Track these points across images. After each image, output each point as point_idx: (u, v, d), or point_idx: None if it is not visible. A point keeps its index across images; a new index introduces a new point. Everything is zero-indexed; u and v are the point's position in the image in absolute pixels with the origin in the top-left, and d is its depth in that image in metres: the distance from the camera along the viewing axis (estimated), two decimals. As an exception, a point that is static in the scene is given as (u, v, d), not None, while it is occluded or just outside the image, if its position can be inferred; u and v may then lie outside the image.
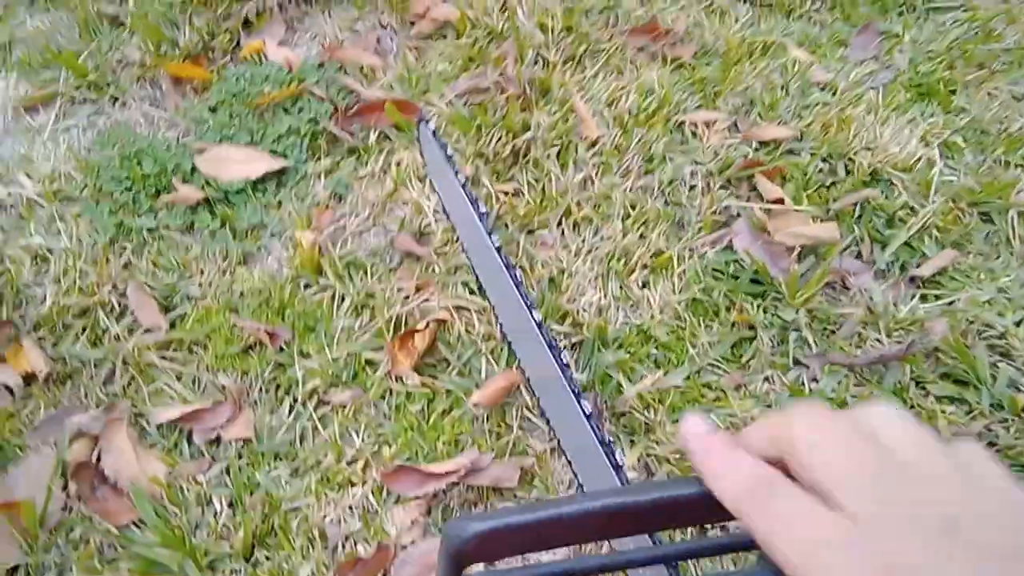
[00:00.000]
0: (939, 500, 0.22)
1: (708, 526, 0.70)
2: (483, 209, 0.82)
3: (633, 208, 0.96)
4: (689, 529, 0.70)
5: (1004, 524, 0.21)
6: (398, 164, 1.03)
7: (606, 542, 0.71)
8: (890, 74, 1.14)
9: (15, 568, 0.72)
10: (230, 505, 0.75)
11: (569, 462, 0.74)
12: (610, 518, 0.28)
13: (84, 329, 0.89)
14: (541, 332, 0.73)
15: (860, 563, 0.21)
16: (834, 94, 1.09)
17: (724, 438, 0.28)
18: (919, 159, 1.01)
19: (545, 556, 0.72)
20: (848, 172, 0.99)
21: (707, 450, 0.28)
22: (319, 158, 1.05)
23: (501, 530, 0.27)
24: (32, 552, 0.73)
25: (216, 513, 0.75)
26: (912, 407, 0.78)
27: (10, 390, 0.84)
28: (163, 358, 0.86)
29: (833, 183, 0.98)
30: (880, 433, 0.24)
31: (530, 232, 0.95)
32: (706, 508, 0.29)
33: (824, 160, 1.00)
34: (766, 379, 0.82)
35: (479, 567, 0.30)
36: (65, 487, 0.77)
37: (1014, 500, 0.22)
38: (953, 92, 1.11)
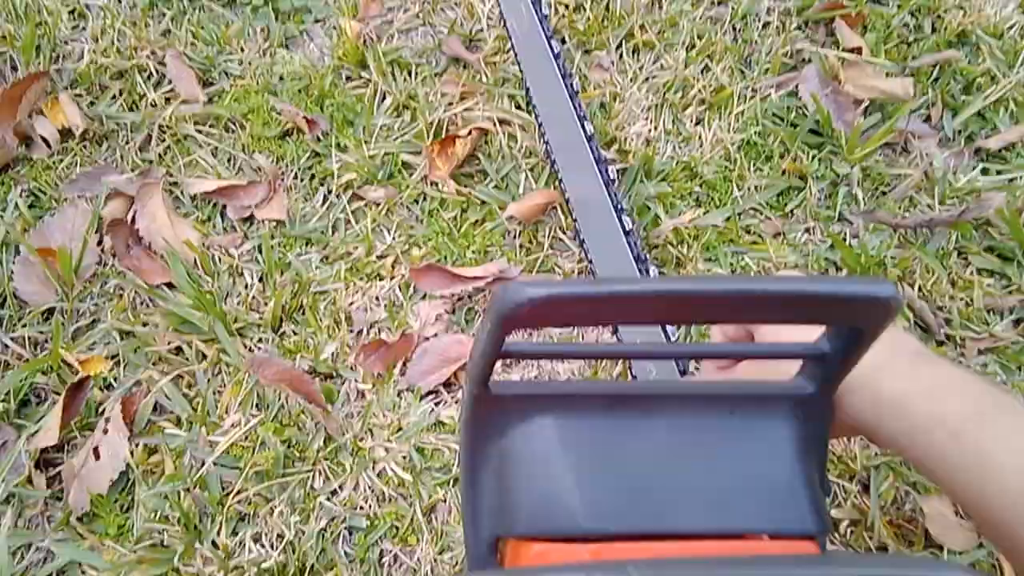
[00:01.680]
0: None
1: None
2: (545, 11, 0.77)
3: (700, 38, 0.90)
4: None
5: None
6: (455, -40, 0.96)
7: (616, 339, 0.73)
8: (1001, -70, 1.03)
9: (51, 310, 0.75)
10: (260, 280, 0.77)
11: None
12: (674, 302, 0.28)
13: (121, 92, 0.87)
14: (590, 145, 0.70)
15: None
16: (936, -57, 0.99)
17: None
18: (1012, 26, 0.93)
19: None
20: (934, 30, 0.92)
21: None
22: (371, -56, 0.98)
23: (555, 298, 0.27)
24: (67, 298, 0.75)
25: (247, 285, 0.76)
26: (951, 275, 0.77)
27: (47, 143, 0.83)
28: (199, 131, 0.85)
29: (917, 39, 0.91)
30: None
31: (587, 52, 0.90)
32: (758, 306, 0.29)
33: (912, 13, 0.93)
34: (807, 230, 0.80)
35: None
36: (100, 242, 0.78)
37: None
38: (1066, -42, 1.00)
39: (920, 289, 0.76)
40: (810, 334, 0.33)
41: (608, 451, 0.32)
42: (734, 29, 0.92)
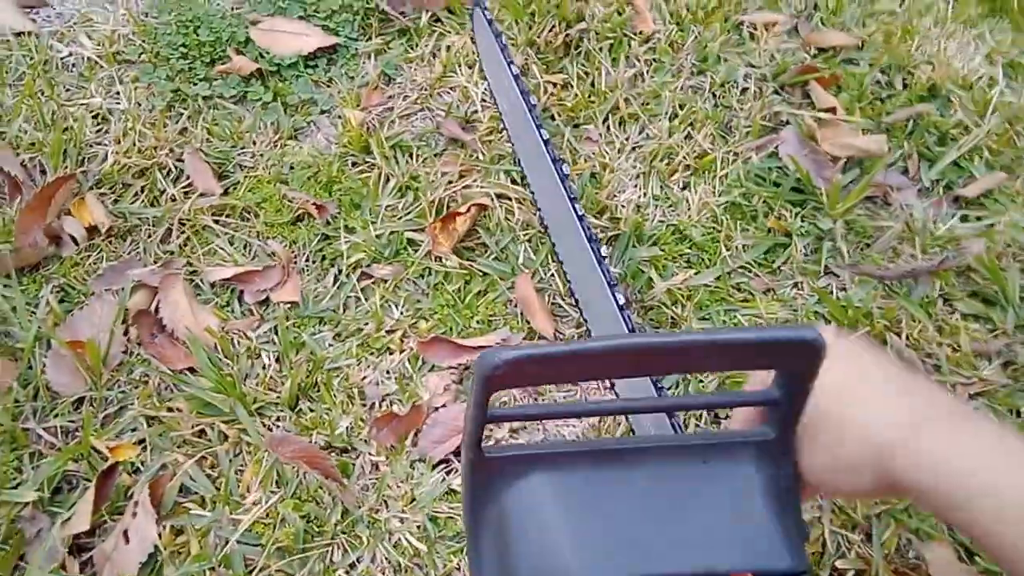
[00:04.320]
0: None
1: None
2: (533, 101, 0.83)
3: (682, 108, 0.95)
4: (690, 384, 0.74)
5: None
6: (448, 48, 1.03)
7: (612, 394, 0.76)
8: (965, -14, 1.08)
9: (81, 400, 0.79)
10: (277, 360, 0.81)
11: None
12: (630, 356, 0.32)
13: (143, 189, 0.93)
14: (582, 225, 0.75)
15: None
16: (902, 3, 1.05)
17: None
18: (980, 77, 0.98)
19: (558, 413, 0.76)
20: (906, 86, 0.97)
21: None
22: (370, 37, 1.05)
23: (528, 359, 0.31)
24: (96, 387, 0.79)
25: (264, 366, 0.80)
26: (937, 322, 0.80)
27: (75, 240, 0.89)
28: (216, 222, 0.90)
29: (889, 96, 0.96)
30: None
31: (576, 126, 0.96)
32: (719, 355, 0.33)
33: (882, 71, 0.98)
34: (795, 285, 0.84)
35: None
36: (126, 332, 0.83)
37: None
38: (1029, 10, 1.06)
39: (908, 338, 0.79)
40: None
41: (598, 505, 0.36)
42: (714, 96, 0.97)
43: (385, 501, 0.72)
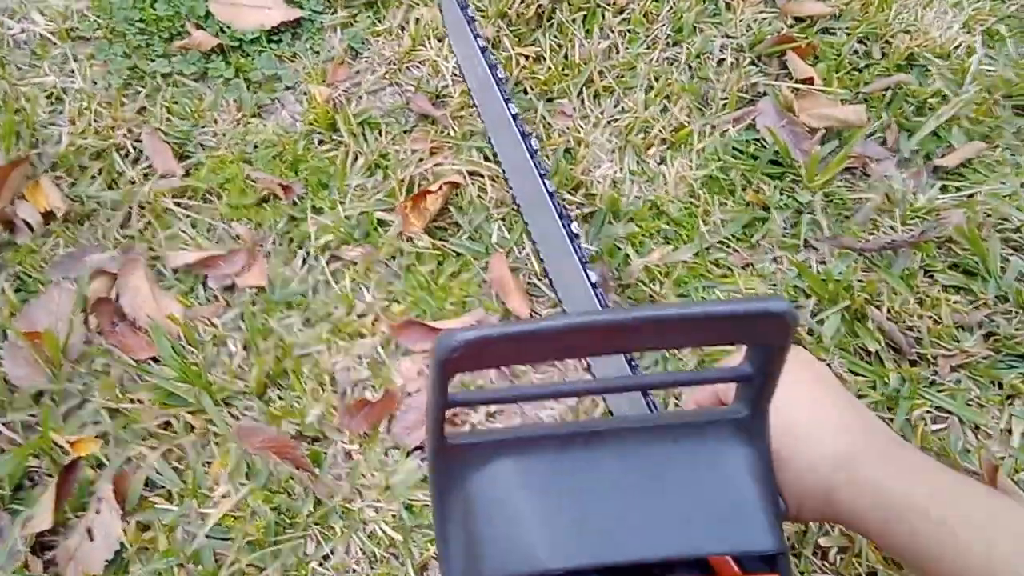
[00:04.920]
0: None
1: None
2: (501, 75, 0.80)
3: (657, 80, 0.93)
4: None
5: None
6: (416, 21, 1.00)
7: (587, 372, 0.75)
8: (943, -48, 1.06)
9: (40, 393, 0.76)
10: (244, 348, 0.78)
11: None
12: (590, 334, 0.30)
13: (100, 171, 0.89)
14: (553, 202, 0.72)
15: None
16: (880, -29, 1.03)
17: None
18: (959, 46, 0.96)
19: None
20: (884, 55, 0.96)
21: None
22: (335, 10, 1.01)
23: (486, 340, 0.29)
24: (56, 379, 0.76)
25: (231, 354, 0.78)
26: (918, 294, 0.79)
27: (30, 226, 0.85)
28: (178, 205, 0.87)
29: (867, 66, 0.94)
30: None
31: (549, 100, 0.93)
32: (683, 331, 0.31)
33: (860, 41, 0.96)
34: (775, 260, 0.82)
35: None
36: (85, 321, 0.80)
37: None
38: (1007, -24, 1.04)
39: (889, 311, 0.78)
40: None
41: (565, 489, 0.34)
42: (690, 68, 0.95)
43: (359, 490, 0.70)
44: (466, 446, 0.34)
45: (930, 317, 0.78)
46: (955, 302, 0.78)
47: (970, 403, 0.73)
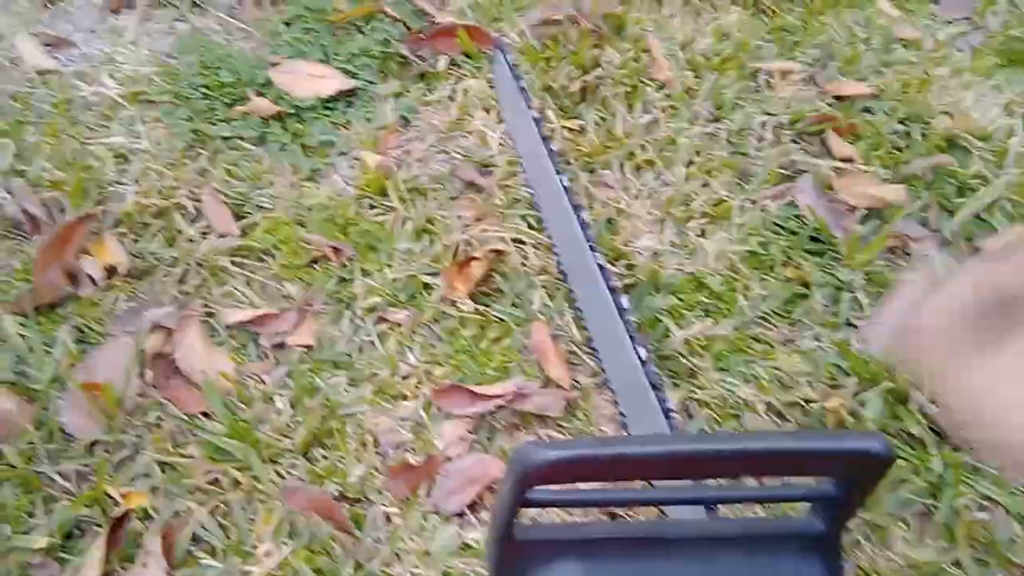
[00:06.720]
0: None
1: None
2: (553, 146, 0.83)
3: (698, 155, 0.95)
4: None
5: None
6: (466, 92, 1.04)
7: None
8: (980, 36, 1.09)
9: (95, 442, 0.79)
10: (292, 405, 0.80)
11: (616, 402, 0.77)
12: (681, 462, 0.31)
13: (161, 229, 0.93)
14: (603, 275, 0.74)
15: None
16: (919, 52, 1.05)
17: None
18: (997, 128, 0.98)
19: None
20: (924, 136, 0.97)
21: None
22: (388, 80, 1.06)
23: (572, 460, 0.30)
24: (111, 430, 0.79)
25: (278, 412, 0.80)
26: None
27: (93, 280, 0.89)
28: (233, 263, 0.90)
29: (907, 145, 0.96)
30: None
31: (591, 171, 0.96)
32: (775, 462, 0.31)
33: (900, 121, 0.98)
34: (815, 337, 0.83)
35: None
36: (142, 374, 0.83)
37: None
38: (1046, 60, 1.06)
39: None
40: None
41: None
42: (730, 143, 0.97)
43: (398, 554, 0.71)
44: (531, 543, 0.35)
45: (972, 400, 0.77)
46: (998, 386, 0.78)
47: (1015, 492, 0.72)
